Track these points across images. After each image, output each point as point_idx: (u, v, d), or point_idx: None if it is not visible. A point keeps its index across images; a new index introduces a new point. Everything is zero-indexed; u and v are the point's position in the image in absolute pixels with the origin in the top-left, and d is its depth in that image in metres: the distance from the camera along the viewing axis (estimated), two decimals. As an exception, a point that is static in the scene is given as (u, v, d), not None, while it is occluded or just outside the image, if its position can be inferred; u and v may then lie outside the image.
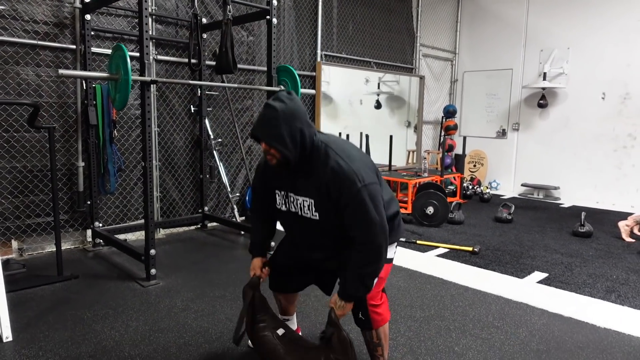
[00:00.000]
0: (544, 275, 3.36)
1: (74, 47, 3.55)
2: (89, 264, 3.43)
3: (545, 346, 2.32)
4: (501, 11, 6.93)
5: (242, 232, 4.32)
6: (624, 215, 5.32)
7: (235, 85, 3.86)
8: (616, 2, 5.84)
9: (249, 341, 2.23)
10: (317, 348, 1.82)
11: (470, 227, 4.76)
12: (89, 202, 3.73)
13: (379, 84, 6.28)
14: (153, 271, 3.05)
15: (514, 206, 5.12)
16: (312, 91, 3.86)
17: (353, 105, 6.00)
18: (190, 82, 3.49)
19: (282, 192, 1.82)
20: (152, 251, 3.03)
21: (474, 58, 7.32)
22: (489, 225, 4.86)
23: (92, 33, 3.59)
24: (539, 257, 3.78)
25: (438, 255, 3.78)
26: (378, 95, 6.33)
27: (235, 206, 4.41)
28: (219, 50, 3.32)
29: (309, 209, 1.73)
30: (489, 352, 2.25)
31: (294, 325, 2.25)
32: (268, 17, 3.50)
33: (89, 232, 3.82)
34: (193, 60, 3.38)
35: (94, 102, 3.61)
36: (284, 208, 1.85)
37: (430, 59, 7.10)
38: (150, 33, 3.96)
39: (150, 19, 3.96)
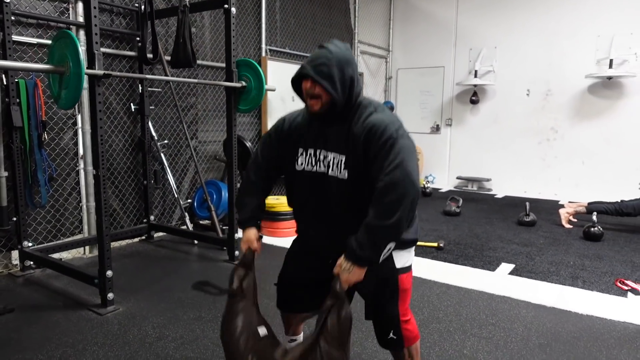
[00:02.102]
0: (512, 266, 3.45)
1: (-11, 34, 2.96)
2: (22, 292, 2.89)
3: (545, 340, 2.34)
4: (432, 10, 7.14)
5: (195, 242, 3.94)
6: (551, 203, 5.74)
7: (195, 80, 3.50)
8: (537, 5, 6.26)
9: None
10: (303, 342, 1.57)
11: (424, 222, 4.81)
12: (14, 219, 3.15)
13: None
14: (110, 296, 2.63)
15: (461, 199, 5.28)
16: (274, 87, 3.61)
17: (285, 102, 5.77)
18: (148, 76, 3.08)
19: (310, 150, 1.60)
20: (109, 272, 2.61)
21: (407, 55, 7.47)
22: (441, 220, 4.95)
23: (13, 18, 3.02)
24: (499, 249, 3.90)
25: (406, 253, 3.74)
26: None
27: (186, 213, 4.02)
28: (175, 41, 2.95)
29: (337, 166, 1.53)
30: (497, 352, 2.22)
31: (300, 346, 2.03)
32: (226, 5, 3.19)
33: (14, 253, 3.23)
34: (149, 55, 2.96)
35: (18, 100, 3.05)
36: (308, 167, 1.61)
37: (367, 56, 7.11)
38: (82, 20, 3.44)
39: (81, 4, 3.44)
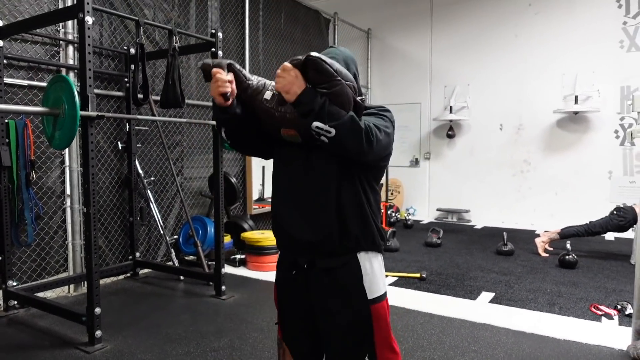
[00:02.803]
0: (492, 294, 3.56)
1: (-18, 77, 3.05)
2: (6, 332, 2.86)
3: (525, 364, 2.43)
4: (407, 50, 7.49)
5: (182, 278, 3.96)
6: (528, 233, 5.93)
7: (184, 119, 3.62)
8: (506, 45, 6.65)
9: None
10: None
11: (406, 253, 4.92)
12: (0, 258, 3.14)
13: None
14: (98, 333, 2.64)
15: (442, 231, 5.42)
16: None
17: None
18: (139, 117, 3.19)
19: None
20: (97, 309, 2.63)
21: (385, 92, 7.77)
22: (422, 251, 5.07)
23: (5, 62, 3.12)
24: (479, 278, 4.01)
25: (389, 285, 3.82)
26: (295, 128, 6.38)
27: (172, 249, 4.05)
28: (165, 83, 3.08)
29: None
30: (479, 377, 2.30)
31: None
32: (213, 49, 3.35)
33: (-3, 293, 3.21)
34: (139, 95, 3.07)
35: (7, 139, 3.11)
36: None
37: (346, 93, 7.36)
38: (72, 63, 3.56)
39: (72, 47, 3.57)
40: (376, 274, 1.56)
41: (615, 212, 4.63)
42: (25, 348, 2.63)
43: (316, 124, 1.38)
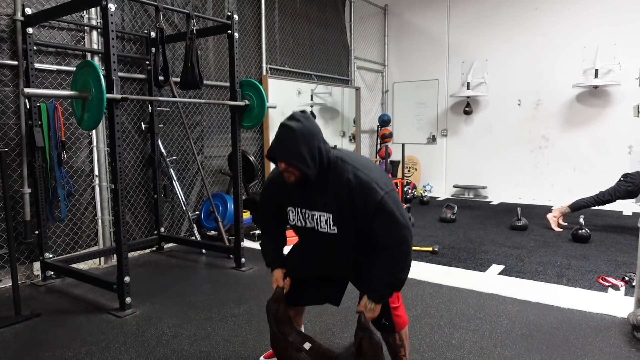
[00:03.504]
0: (502, 267, 3.67)
1: (14, 62, 3.24)
2: (46, 299, 3.12)
3: (527, 330, 2.55)
4: (424, 26, 7.44)
5: (204, 251, 4.18)
6: (545, 209, 5.95)
7: (203, 100, 3.78)
8: (524, 19, 6.55)
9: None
10: (346, 354, 1.85)
11: (421, 229, 5.03)
12: (37, 232, 3.39)
13: (311, 96, 6.38)
14: (128, 300, 2.86)
15: (456, 207, 5.50)
16: (275, 105, 3.87)
17: (284, 118, 5.98)
18: (160, 98, 3.35)
19: (297, 209, 1.84)
20: (127, 278, 2.85)
21: (402, 69, 7.76)
22: (437, 226, 5.18)
23: (35, 48, 3.31)
24: (490, 252, 4.11)
25: (402, 258, 3.95)
26: (312, 107, 6.45)
27: (194, 225, 4.26)
28: (184, 65, 3.22)
29: (326, 223, 1.76)
30: (482, 341, 2.43)
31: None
32: (230, 31, 3.47)
33: (35, 265, 3.47)
34: (160, 77, 3.23)
35: (39, 122, 3.32)
36: (299, 224, 1.87)
37: (363, 71, 7.40)
38: (96, 47, 3.73)
39: (96, 33, 3.74)
40: None
41: (622, 179, 4.64)
42: (63, 313, 2.88)
43: None
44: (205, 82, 4.47)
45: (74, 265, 3.57)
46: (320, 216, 1.77)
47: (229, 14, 3.47)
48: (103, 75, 2.53)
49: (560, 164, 6.47)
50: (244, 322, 2.69)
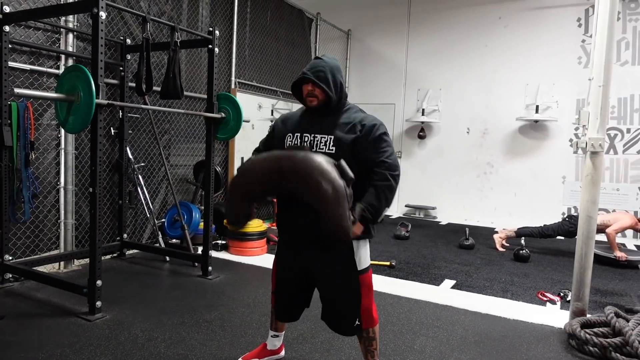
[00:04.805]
0: (453, 281, 3.97)
1: (-12, 60, 3.18)
2: (7, 302, 3.04)
3: (479, 338, 2.82)
4: (384, 53, 7.86)
5: (168, 258, 4.19)
6: (488, 230, 6.42)
7: (183, 110, 3.84)
8: (476, 55, 7.12)
9: None
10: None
11: (378, 244, 5.29)
12: (-2, 233, 3.30)
13: (272, 111, 6.52)
14: (99, 304, 2.87)
15: (410, 225, 5.82)
16: (248, 119, 4.00)
17: (245, 130, 6.08)
18: (142, 106, 3.39)
19: (297, 134, 2.01)
20: (99, 282, 2.85)
21: (362, 92, 8.11)
22: (392, 242, 5.46)
23: (10, 46, 3.27)
24: (442, 267, 4.42)
25: (362, 271, 4.17)
26: (272, 121, 6.60)
27: (159, 232, 4.27)
28: (166, 75, 3.30)
29: (325, 144, 1.94)
30: (440, 347, 2.67)
31: (280, 341, 2.38)
32: (210, 46, 3.59)
33: (-8, 267, 3.36)
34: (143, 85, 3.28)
35: (9, 121, 3.26)
36: (294, 143, 2.01)
37: (325, 91, 7.67)
38: (71, 50, 3.72)
39: (72, 35, 3.73)
40: (363, 254, 2.04)
41: (567, 219, 5.13)
42: (29, 316, 2.83)
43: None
44: (191, 94, 4.59)
45: (35, 268, 3.48)
46: (321, 138, 1.96)
47: (210, 29, 3.60)
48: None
49: (502, 189, 7.01)
50: (217, 327, 2.78)
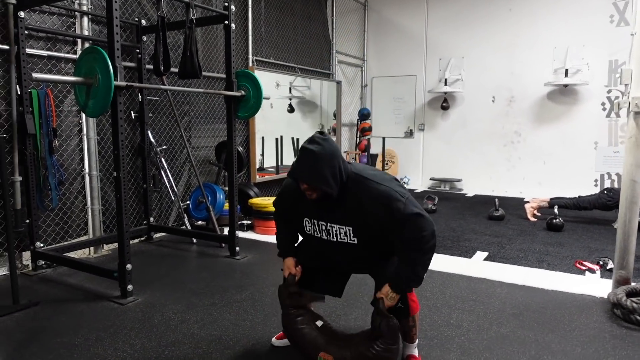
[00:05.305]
0: (486, 253, 3.86)
1: (5, 47, 3.15)
2: (41, 288, 3.07)
3: (518, 310, 2.73)
4: (403, 23, 7.61)
5: (195, 240, 4.18)
6: (517, 201, 6.25)
7: (202, 90, 3.76)
8: (499, 19, 6.82)
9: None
10: (362, 335, 1.95)
11: (404, 219, 5.19)
12: (27, 221, 3.33)
13: (290, 89, 6.40)
14: (130, 287, 2.87)
15: (437, 198, 5.70)
16: (269, 96, 3.91)
17: (264, 109, 5.98)
18: (161, 87, 3.34)
19: (314, 221, 1.93)
20: (129, 265, 2.85)
21: (381, 65, 7.91)
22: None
23: (26, 32, 3.22)
24: (473, 240, 4.31)
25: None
26: (290, 99, 6.49)
27: (185, 214, 4.26)
28: (183, 54, 3.22)
29: (346, 235, 1.87)
30: (478, 320, 2.59)
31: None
32: (226, 21, 3.49)
33: (25, 254, 3.40)
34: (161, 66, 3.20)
35: (30, 108, 3.24)
36: (316, 234, 1.96)
37: (344, 65, 7.51)
38: (87, 34, 3.67)
39: (87, 18, 3.67)
40: None
41: (605, 192, 4.91)
42: (62, 301, 2.85)
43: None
44: (208, 73, 4.50)
45: (66, 254, 3.51)
46: (339, 229, 1.88)
47: (226, 4, 3.49)
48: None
49: (531, 158, 6.79)
50: (248, 307, 2.75)
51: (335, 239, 1.89)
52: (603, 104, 6.27)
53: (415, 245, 1.77)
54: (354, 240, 1.86)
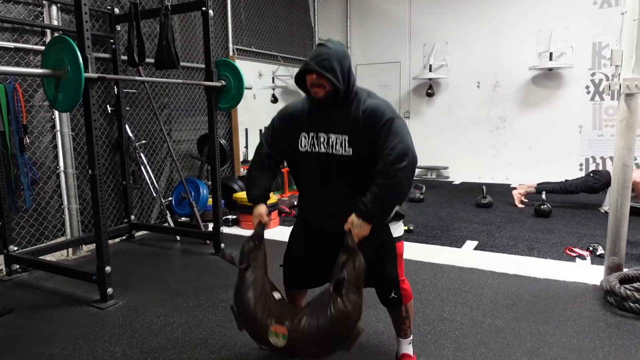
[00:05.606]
0: (475, 242, 3.81)
1: (-34, 39, 2.96)
2: (16, 294, 2.93)
3: (511, 301, 2.68)
4: (386, 8, 7.48)
5: (178, 238, 4.05)
6: (503, 187, 6.23)
7: (180, 80, 3.60)
8: (483, 3, 6.73)
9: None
10: (320, 297, 1.76)
11: (392, 208, 5.12)
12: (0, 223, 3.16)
13: (273, 78, 6.23)
14: (110, 290, 2.74)
15: (424, 187, 5.64)
16: (251, 86, 3.77)
17: (247, 100, 5.78)
18: (137, 78, 3.17)
19: (311, 133, 1.83)
20: (108, 268, 2.72)
21: (364, 52, 7.78)
22: (407, 206, 5.27)
23: (-11, 23, 3.03)
24: (462, 228, 4.26)
25: (380, 237, 4.02)
26: (273, 89, 6.33)
27: (167, 211, 4.12)
28: (159, 43, 3.06)
29: (341, 145, 1.77)
30: (471, 313, 2.53)
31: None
32: (204, 8, 3.33)
33: (-1, 258, 3.24)
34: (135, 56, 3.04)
35: (-3, 104, 3.06)
36: (310, 149, 1.83)
37: (327, 53, 7.35)
38: (56, 24, 3.47)
39: (55, 7, 3.47)
40: (397, 225, 1.92)
41: (591, 174, 4.91)
42: (39, 307, 2.71)
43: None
44: (187, 64, 4.33)
45: (42, 257, 3.36)
46: (336, 138, 1.78)
47: (203, -10, 3.33)
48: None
49: (517, 143, 6.77)
50: (235, 307, 2.65)
51: (331, 151, 1.78)
52: (587, 87, 6.26)
53: (386, 165, 1.65)
54: (349, 152, 1.75)
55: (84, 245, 3.75)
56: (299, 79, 1.83)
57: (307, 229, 2.01)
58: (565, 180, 5.03)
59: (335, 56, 1.73)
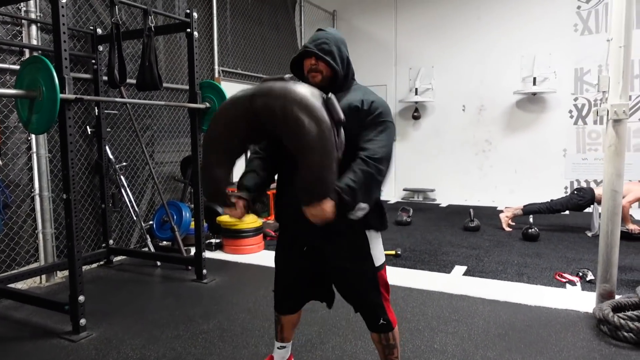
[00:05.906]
0: (464, 267, 3.74)
1: (-61, 58, 2.85)
2: (-19, 325, 2.75)
3: (503, 330, 2.60)
4: (372, 32, 7.55)
5: (159, 263, 3.91)
6: (490, 210, 6.21)
7: (163, 102, 3.52)
8: (468, 28, 6.83)
9: None
10: None
11: (379, 232, 5.04)
12: (-33, 250, 3.00)
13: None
14: (83, 321, 2.59)
15: (411, 209, 5.59)
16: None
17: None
18: (117, 99, 3.08)
19: None
20: (81, 297, 2.57)
21: (351, 75, 7.80)
22: (394, 229, 5.22)
23: (-37, 41, 2.93)
24: (450, 253, 4.20)
25: (367, 262, 3.93)
26: (261, 111, 6.28)
27: (147, 235, 3.98)
28: (141, 64, 2.99)
29: None
30: (462, 344, 2.44)
31: (288, 352, 2.13)
32: (189, 30, 3.28)
33: (-35, 286, 3.06)
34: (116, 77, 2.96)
35: (-30, 125, 2.94)
36: None
37: (313, 75, 7.36)
38: (35, 43, 3.38)
39: (35, 27, 3.39)
40: (378, 248, 1.87)
41: (575, 192, 4.93)
42: (5, 340, 2.54)
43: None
44: (170, 85, 4.26)
45: (12, 285, 3.19)
46: None
47: (188, 11, 3.28)
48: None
49: (502, 166, 6.79)
50: (215, 339, 2.52)
51: None
52: (570, 111, 6.34)
53: (372, 162, 1.58)
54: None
55: (58, 272, 3.58)
56: (296, 66, 1.79)
57: (286, 246, 1.92)
58: (551, 200, 5.03)
59: (333, 40, 1.72)
